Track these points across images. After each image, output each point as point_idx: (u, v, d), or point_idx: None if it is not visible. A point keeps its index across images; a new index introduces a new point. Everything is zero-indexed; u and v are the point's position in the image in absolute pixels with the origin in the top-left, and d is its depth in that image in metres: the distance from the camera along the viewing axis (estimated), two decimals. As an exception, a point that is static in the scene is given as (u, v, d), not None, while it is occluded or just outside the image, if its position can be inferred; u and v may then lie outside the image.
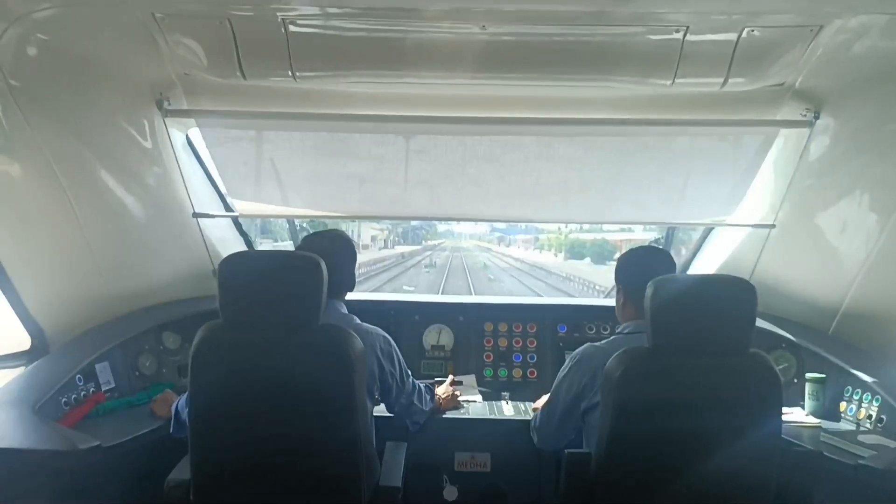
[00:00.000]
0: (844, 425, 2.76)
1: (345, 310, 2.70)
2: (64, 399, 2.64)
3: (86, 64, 2.54)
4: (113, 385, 2.90)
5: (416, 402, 2.81)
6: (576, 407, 2.51)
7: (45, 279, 2.90)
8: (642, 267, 2.60)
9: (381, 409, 2.78)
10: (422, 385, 2.90)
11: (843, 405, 2.83)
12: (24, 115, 2.43)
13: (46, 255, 2.86)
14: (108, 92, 2.73)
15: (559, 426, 2.60)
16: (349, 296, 2.79)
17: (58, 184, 2.68)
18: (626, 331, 2.59)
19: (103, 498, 2.55)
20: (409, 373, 2.81)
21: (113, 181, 2.93)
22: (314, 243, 2.64)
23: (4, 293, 2.80)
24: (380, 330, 2.70)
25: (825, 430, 2.65)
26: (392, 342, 2.72)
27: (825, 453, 2.40)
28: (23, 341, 2.96)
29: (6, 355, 2.93)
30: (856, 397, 2.78)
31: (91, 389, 2.79)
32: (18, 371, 2.77)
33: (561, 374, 2.60)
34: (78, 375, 2.75)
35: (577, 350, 2.60)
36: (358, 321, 2.66)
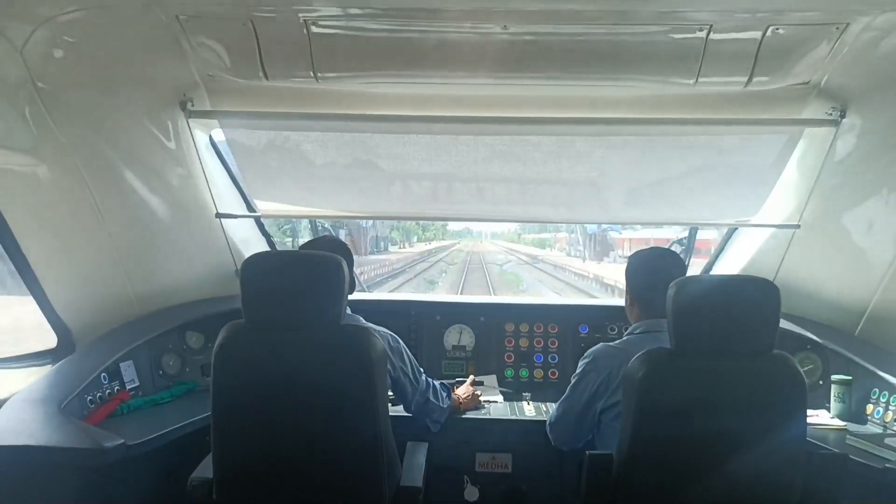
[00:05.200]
0: (871, 428, 2.73)
1: (349, 311, 2.72)
2: (89, 397, 2.67)
3: (110, 66, 2.57)
4: (137, 384, 2.93)
5: (432, 398, 2.82)
6: (591, 407, 2.51)
7: (71, 279, 2.94)
8: (651, 269, 2.64)
9: (401, 410, 2.79)
10: (436, 383, 2.91)
11: (869, 407, 2.80)
12: (50, 117, 2.47)
13: (72, 256, 2.90)
14: (133, 93, 2.75)
15: (576, 426, 2.60)
16: (369, 296, 2.80)
17: (83, 184, 2.72)
18: (637, 331, 2.59)
19: (127, 496, 2.58)
20: (422, 370, 2.82)
21: (137, 182, 2.96)
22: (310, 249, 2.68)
23: (32, 292, 2.84)
24: (385, 329, 2.72)
25: (851, 433, 2.62)
26: (399, 340, 2.74)
27: (851, 456, 2.37)
28: (49, 340, 3.00)
29: (33, 353, 2.97)
30: (883, 400, 2.74)
31: (116, 388, 2.82)
32: (45, 369, 2.81)
33: (575, 374, 2.60)
34: (103, 374, 2.78)
35: (590, 350, 2.60)
36: (364, 321, 2.67)
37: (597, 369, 2.50)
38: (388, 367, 2.60)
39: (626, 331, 3.24)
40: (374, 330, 2.60)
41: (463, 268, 25.65)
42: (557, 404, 2.70)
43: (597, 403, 2.48)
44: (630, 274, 2.71)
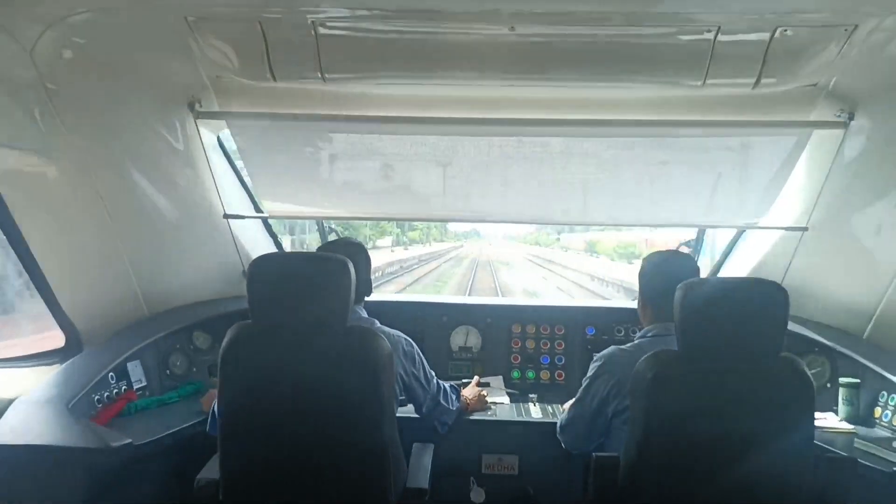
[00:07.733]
0: (879, 431, 2.71)
1: (364, 314, 2.73)
2: (97, 397, 2.68)
3: (120, 67, 2.58)
4: (144, 384, 2.94)
5: (442, 401, 2.82)
6: (603, 410, 2.50)
7: (79, 279, 2.94)
8: (663, 271, 2.63)
9: (408, 411, 2.79)
10: (446, 385, 2.91)
11: (877, 411, 2.78)
12: (59, 118, 2.48)
13: (81, 256, 2.91)
14: (142, 94, 2.77)
15: (587, 429, 2.59)
16: (377, 297, 2.80)
17: (92, 185, 2.73)
18: (649, 334, 2.58)
19: (134, 495, 2.59)
20: (433, 373, 2.82)
21: (145, 182, 2.98)
22: (329, 251, 2.68)
23: (40, 292, 2.85)
24: (401, 333, 2.73)
25: (859, 436, 2.61)
26: (414, 344, 2.74)
27: (859, 460, 2.36)
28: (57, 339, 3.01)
29: (41, 353, 2.98)
30: (891, 403, 2.73)
31: (123, 388, 2.83)
32: (53, 369, 2.82)
33: (587, 376, 2.59)
34: (110, 374, 2.79)
35: (601, 353, 2.59)
36: (379, 324, 2.68)
37: (608, 372, 2.49)
38: (401, 371, 2.60)
39: (633, 333, 3.24)
40: (388, 333, 2.60)
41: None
42: (568, 407, 2.69)
43: (608, 406, 2.47)
44: (643, 276, 2.70)
